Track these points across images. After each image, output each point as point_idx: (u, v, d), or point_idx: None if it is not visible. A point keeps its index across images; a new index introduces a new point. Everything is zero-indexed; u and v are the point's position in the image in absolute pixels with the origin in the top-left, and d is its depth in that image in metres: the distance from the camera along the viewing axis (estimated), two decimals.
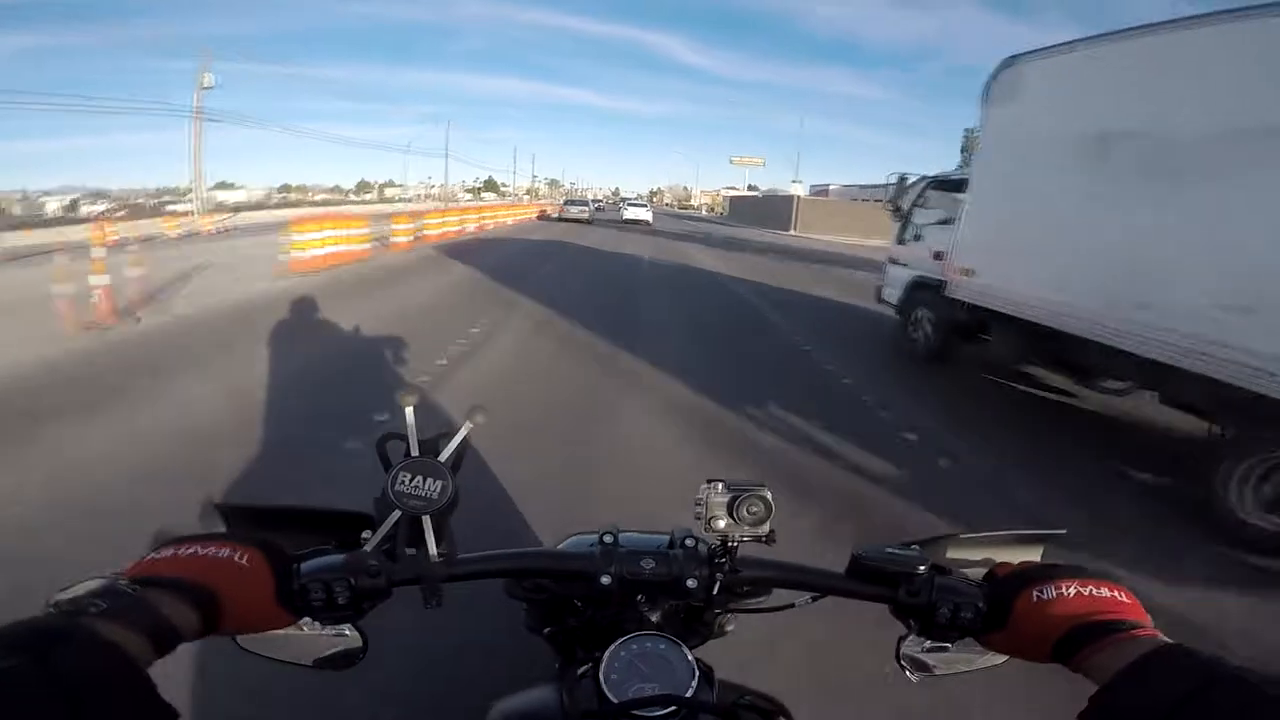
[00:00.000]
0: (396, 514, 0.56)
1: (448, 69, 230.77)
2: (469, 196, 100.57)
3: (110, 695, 0.37)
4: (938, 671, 0.65)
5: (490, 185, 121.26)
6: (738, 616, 0.75)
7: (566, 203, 35.86)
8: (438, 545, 0.57)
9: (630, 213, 33.84)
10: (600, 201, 74.53)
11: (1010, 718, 1.72)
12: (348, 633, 0.61)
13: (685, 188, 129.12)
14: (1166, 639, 0.48)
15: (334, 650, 0.62)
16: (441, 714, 1.66)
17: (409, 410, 0.56)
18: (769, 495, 0.63)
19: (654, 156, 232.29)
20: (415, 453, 0.56)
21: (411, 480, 0.55)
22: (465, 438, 0.58)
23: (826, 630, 1.93)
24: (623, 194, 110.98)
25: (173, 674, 0.46)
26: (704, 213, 77.02)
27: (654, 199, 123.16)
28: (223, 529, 0.58)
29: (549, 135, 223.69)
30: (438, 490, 0.55)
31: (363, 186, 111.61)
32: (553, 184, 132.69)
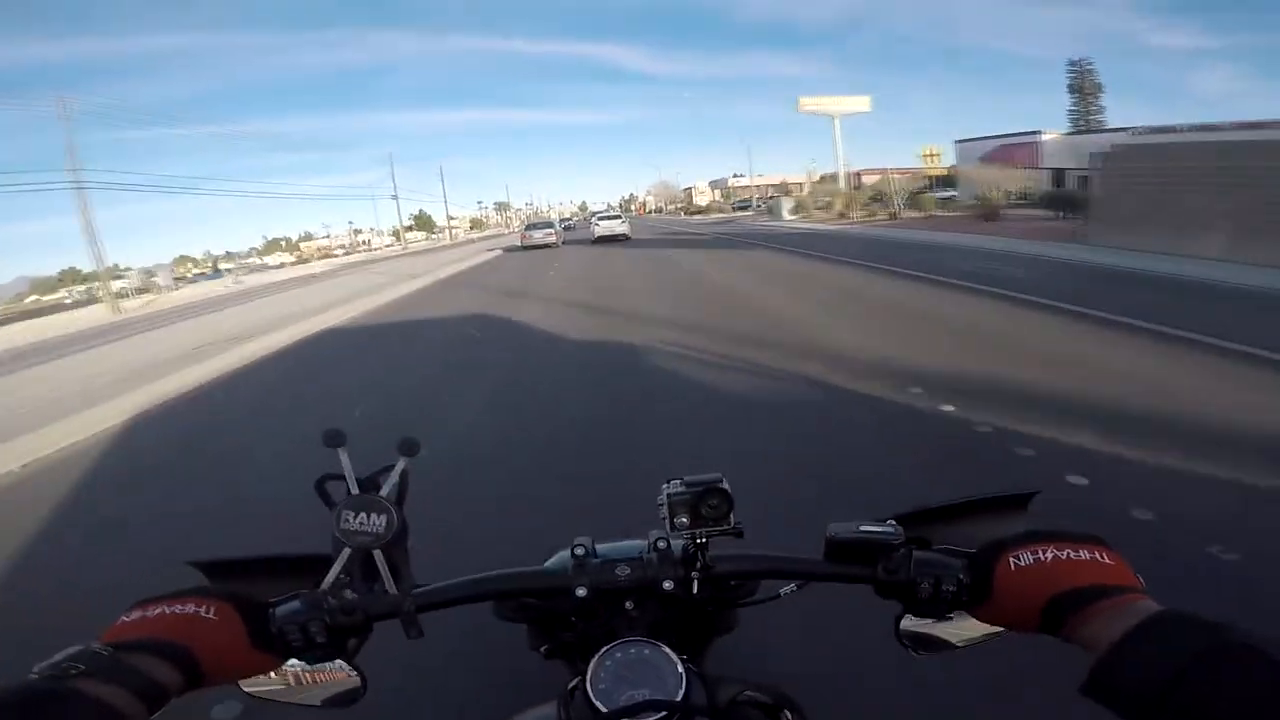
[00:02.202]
0: (347, 551, 0.57)
1: (392, 109, 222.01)
2: (390, 243, 79.69)
3: None
4: (939, 647, 0.65)
5: (423, 222, 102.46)
6: (740, 610, 0.74)
7: (528, 227, 29.58)
8: (394, 577, 0.59)
9: (603, 227, 28.10)
10: (569, 220, 65.38)
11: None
12: (345, 671, 0.62)
13: (665, 184, 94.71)
14: (1157, 603, 0.46)
15: (335, 690, 0.63)
16: None
17: (341, 452, 0.58)
18: (726, 487, 0.63)
19: (620, 165, 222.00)
20: (354, 490, 0.58)
21: (356, 517, 0.57)
22: (404, 471, 0.59)
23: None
24: (591, 208, 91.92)
25: None
26: (796, 221, 30.49)
27: (635, 208, 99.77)
28: (204, 584, 0.59)
29: (503, 160, 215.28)
30: (383, 525, 0.57)
31: (271, 246, 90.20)
32: (501, 207, 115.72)
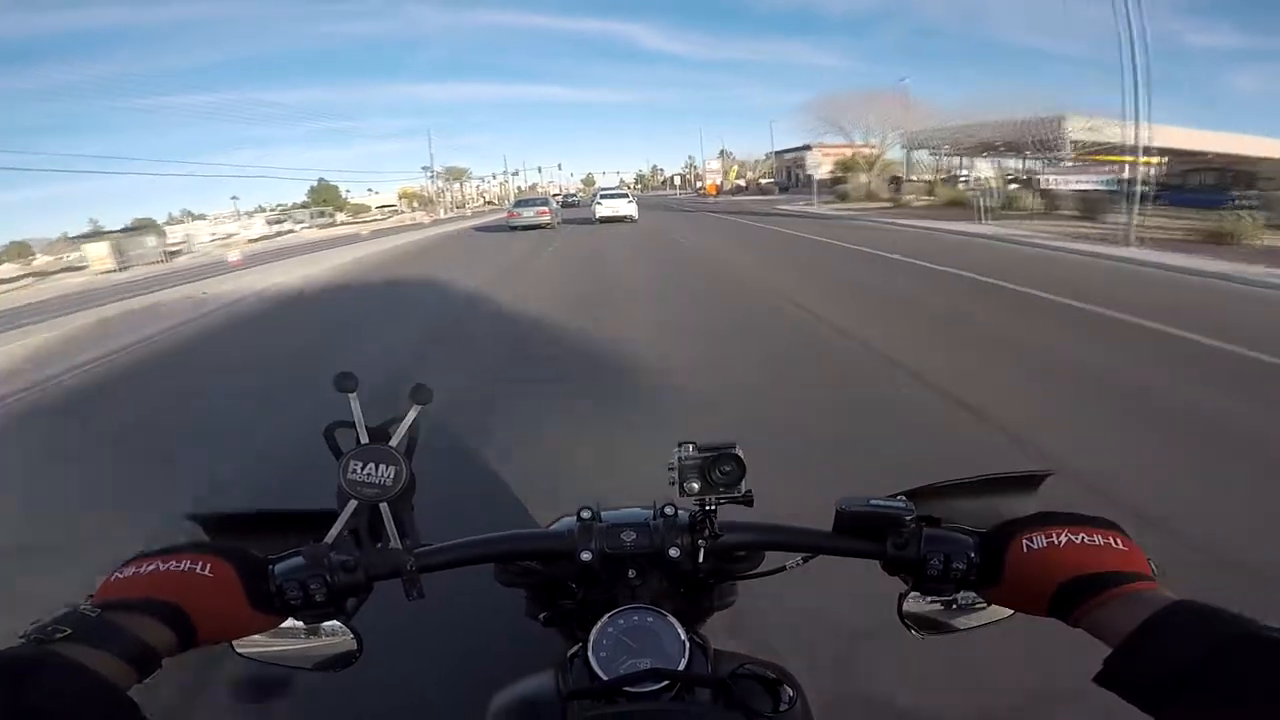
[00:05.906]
0: (353, 504, 0.55)
1: (415, 81, 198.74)
2: (280, 223, 54.49)
3: None
4: (942, 628, 0.64)
5: (325, 194, 68.05)
6: (741, 586, 0.74)
7: (518, 204, 26.48)
8: (399, 533, 0.56)
9: (607, 207, 24.70)
10: (573, 196, 57.19)
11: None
12: (341, 633, 0.60)
13: (692, 162, 68.54)
14: (1169, 593, 0.46)
15: (330, 652, 0.61)
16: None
17: (351, 398, 0.55)
18: (741, 454, 0.61)
19: (633, 142, 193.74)
20: (364, 440, 0.55)
21: (364, 468, 0.55)
22: (415, 421, 0.57)
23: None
24: (599, 184, 66.08)
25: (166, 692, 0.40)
26: None
27: (700, 187, 66.81)
28: (204, 539, 0.57)
29: (512, 133, 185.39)
30: (391, 476, 0.55)
31: (138, 227, 51.09)
32: (452, 175, 76.68)
